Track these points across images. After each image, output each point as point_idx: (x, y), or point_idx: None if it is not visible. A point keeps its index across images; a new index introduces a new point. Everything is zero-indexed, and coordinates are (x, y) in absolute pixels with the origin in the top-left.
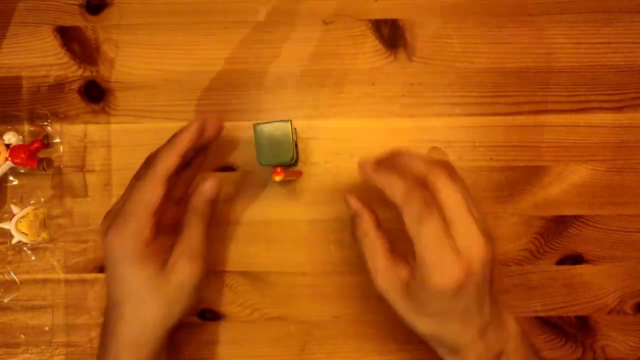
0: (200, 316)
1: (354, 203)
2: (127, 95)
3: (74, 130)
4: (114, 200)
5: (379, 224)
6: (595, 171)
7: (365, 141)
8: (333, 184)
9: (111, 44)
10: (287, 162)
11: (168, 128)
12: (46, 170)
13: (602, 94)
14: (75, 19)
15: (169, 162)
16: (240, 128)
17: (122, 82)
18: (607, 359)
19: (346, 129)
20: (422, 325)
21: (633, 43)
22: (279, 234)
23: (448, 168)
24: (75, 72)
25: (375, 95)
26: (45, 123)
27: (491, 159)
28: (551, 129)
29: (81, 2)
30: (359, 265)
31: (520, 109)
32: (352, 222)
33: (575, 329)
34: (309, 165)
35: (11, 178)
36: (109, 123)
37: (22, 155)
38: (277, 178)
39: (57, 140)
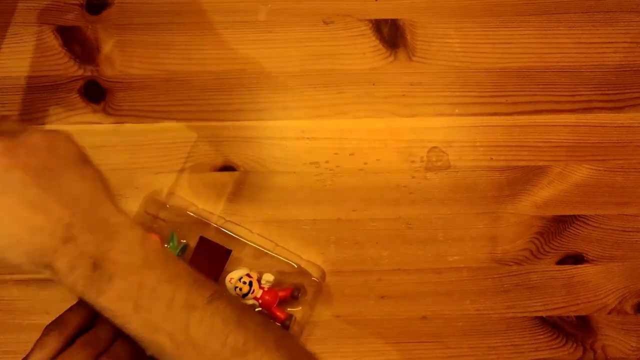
0: None
1: None
2: (127, 95)
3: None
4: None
5: None
6: (595, 171)
7: (365, 141)
8: (333, 184)
9: (111, 44)
10: None
11: (168, 128)
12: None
13: (602, 94)
14: (76, 19)
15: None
16: (240, 128)
17: (122, 82)
18: (608, 359)
19: (346, 129)
20: (14, 258)
21: (633, 43)
22: (279, 233)
23: None
24: (75, 72)
25: (375, 95)
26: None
27: (491, 159)
28: (551, 129)
29: (81, 2)
30: (359, 265)
31: (520, 109)
32: None
33: (576, 328)
34: (309, 165)
35: None
36: (109, 123)
37: (269, 301)
38: None
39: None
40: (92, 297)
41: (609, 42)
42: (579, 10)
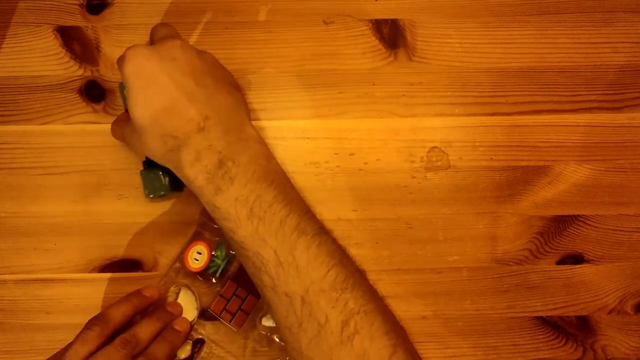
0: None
1: None
2: None
3: None
4: (112, 200)
5: None
6: (595, 171)
7: (365, 141)
8: (333, 184)
9: (111, 44)
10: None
11: None
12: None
13: (602, 94)
14: (76, 19)
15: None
16: None
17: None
18: (608, 359)
19: (346, 129)
20: (149, 140)
21: (633, 43)
22: None
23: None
24: (75, 72)
25: (375, 95)
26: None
27: (491, 159)
28: (551, 129)
29: (81, 2)
30: (359, 265)
31: (520, 109)
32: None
33: (576, 328)
34: (309, 165)
35: None
36: (109, 123)
37: None
38: None
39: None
40: (209, 194)
41: (609, 42)
42: (579, 10)
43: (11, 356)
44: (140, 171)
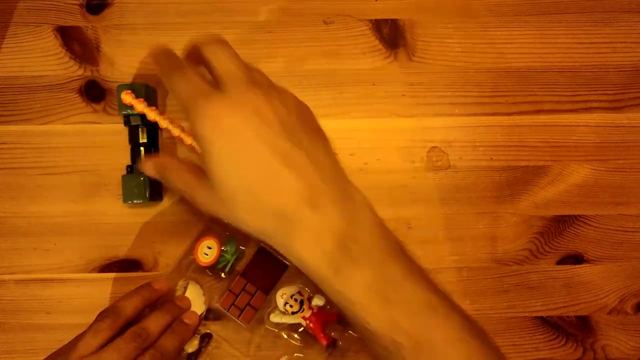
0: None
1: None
2: None
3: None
4: (112, 200)
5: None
6: (595, 171)
7: (365, 141)
8: None
9: (111, 44)
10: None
11: (169, 128)
12: (329, 352)
13: (602, 94)
14: (76, 19)
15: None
16: None
17: (122, 82)
18: (608, 359)
19: (346, 129)
20: (242, 212)
21: (633, 43)
22: None
23: (221, 41)
24: (75, 72)
25: (375, 95)
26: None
27: (491, 159)
28: (551, 129)
29: (81, 2)
30: None
31: (520, 109)
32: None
33: (576, 328)
34: None
35: None
36: (109, 123)
37: (316, 322)
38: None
39: None
40: (336, 283)
41: (609, 42)
42: (579, 10)
43: (11, 356)
44: (122, 175)
